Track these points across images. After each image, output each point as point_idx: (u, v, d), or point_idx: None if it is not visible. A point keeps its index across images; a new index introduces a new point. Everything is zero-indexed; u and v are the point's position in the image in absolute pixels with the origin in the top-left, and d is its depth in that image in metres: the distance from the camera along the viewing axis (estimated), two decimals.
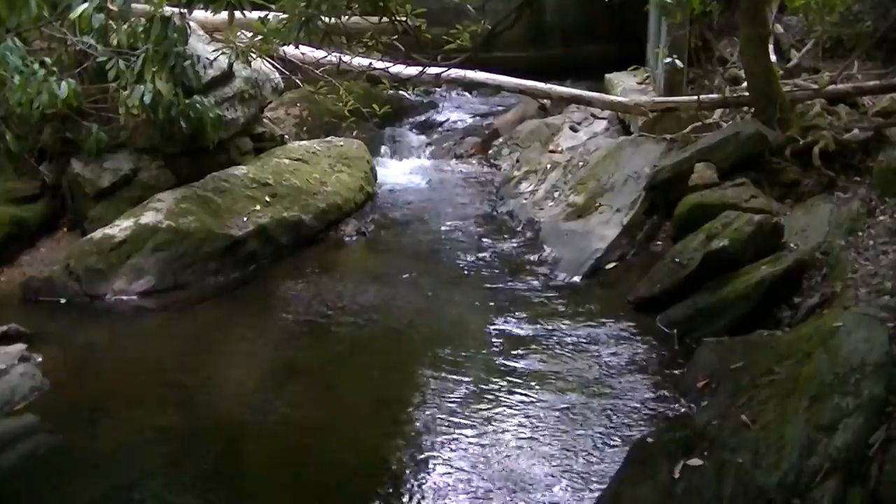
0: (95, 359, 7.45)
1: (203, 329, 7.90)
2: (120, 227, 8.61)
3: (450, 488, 5.33)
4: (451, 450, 5.73)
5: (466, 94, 14.93)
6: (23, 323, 7.56)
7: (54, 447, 6.04)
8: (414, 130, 13.72)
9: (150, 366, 7.22)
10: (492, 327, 7.47)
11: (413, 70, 9.06)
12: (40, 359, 7.12)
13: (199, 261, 8.66)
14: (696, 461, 4.72)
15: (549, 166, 10.70)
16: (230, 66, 9.20)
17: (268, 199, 9.49)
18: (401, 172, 12.04)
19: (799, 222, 7.83)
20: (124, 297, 8.34)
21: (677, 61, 9.73)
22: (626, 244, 8.69)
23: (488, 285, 8.32)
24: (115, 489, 5.57)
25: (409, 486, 5.39)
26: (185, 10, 7.35)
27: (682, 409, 5.94)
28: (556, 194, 9.92)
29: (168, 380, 6.96)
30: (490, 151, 12.57)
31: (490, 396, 6.36)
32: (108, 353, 7.54)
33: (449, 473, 5.48)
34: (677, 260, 7.48)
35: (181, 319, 8.07)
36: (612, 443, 5.67)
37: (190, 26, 7.75)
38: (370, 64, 9.17)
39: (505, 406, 6.22)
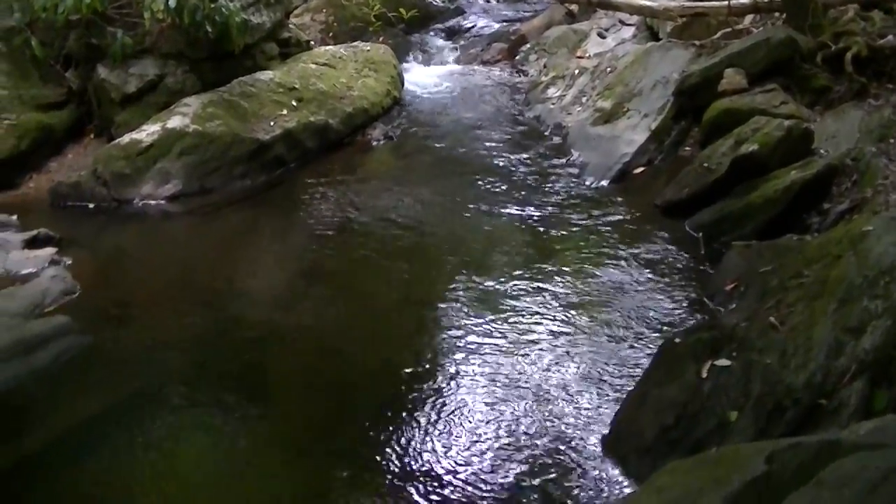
0: (124, 262, 7.55)
1: (230, 232, 7.97)
2: (147, 132, 8.61)
3: (474, 390, 5.36)
4: (476, 353, 5.75)
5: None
6: (52, 227, 7.64)
7: (84, 348, 6.09)
8: (441, 36, 13.72)
9: (178, 269, 7.30)
10: (519, 230, 7.48)
11: None
12: (69, 262, 7.23)
13: (226, 165, 8.68)
14: (723, 361, 4.73)
15: (576, 72, 10.63)
16: None
17: (294, 103, 9.48)
18: (427, 78, 11.99)
19: (829, 129, 7.75)
20: (152, 202, 8.39)
21: None
22: (653, 149, 8.63)
23: (515, 189, 8.31)
24: (145, 389, 5.64)
25: (433, 387, 5.42)
26: None
27: (710, 312, 5.94)
28: (583, 99, 9.85)
29: (195, 282, 7.03)
30: (517, 57, 12.52)
31: (516, 299, 6.37)
32: (136, 257, 7.63)
33: (473, 376, 5.51)
34: (705, 165, 7.44)
35: (208, 223, 8.12)
36: (639, 344, 5.69)
37: None
38: None
39: (531, 308, 6.23)
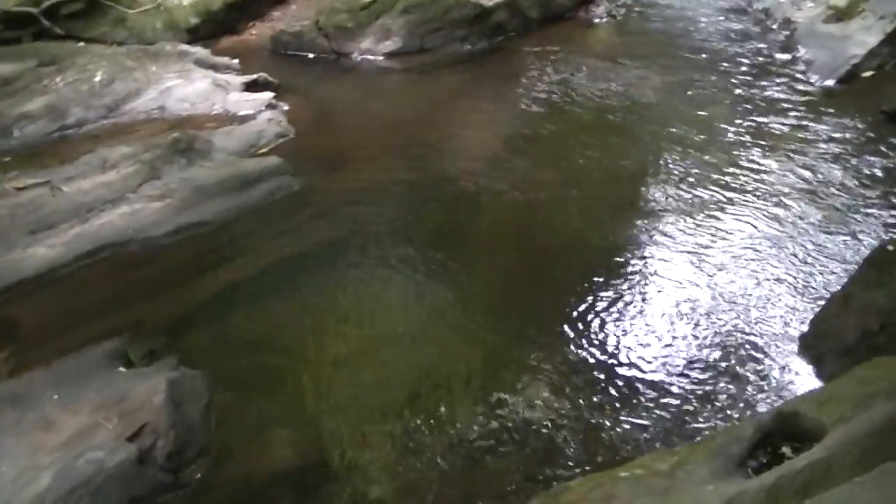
0: (338, 111, 7.71)
1: (444, 93, 8.03)
2: None
3: (673, 276, 5.31)
4: (679, 239, 5.68)
5: None
6: (271, 73, 7.90)
7: (295, 188, 6.35)
8: None
9: (390, 122, 7.44)
10: (734, 120, 7.28)
11: None
12: (286, 107, 7.48)
13: (447, 27, 8.72)
14: None
15: None
16: None
17: None
18: None
19: None
20: (370, 56, 8.54)
21: None
22: (886, 53, 8.21)
23: (735, 79, 8.09)
24: (350, 230, 5.86)
25: (631, 268, 5.39)
26: None
27: None
28: None
29: (407, 137, 7.16)
30: None
31: (725, 190, 6.24)
32: (350, 108, 7.79)
33: (674, 261, 5.45)
34: None
35: (424, 82, 8.22)
36: (846, 247, 5.50)
37: None
38: None
39: (740, 201, 6.09)
